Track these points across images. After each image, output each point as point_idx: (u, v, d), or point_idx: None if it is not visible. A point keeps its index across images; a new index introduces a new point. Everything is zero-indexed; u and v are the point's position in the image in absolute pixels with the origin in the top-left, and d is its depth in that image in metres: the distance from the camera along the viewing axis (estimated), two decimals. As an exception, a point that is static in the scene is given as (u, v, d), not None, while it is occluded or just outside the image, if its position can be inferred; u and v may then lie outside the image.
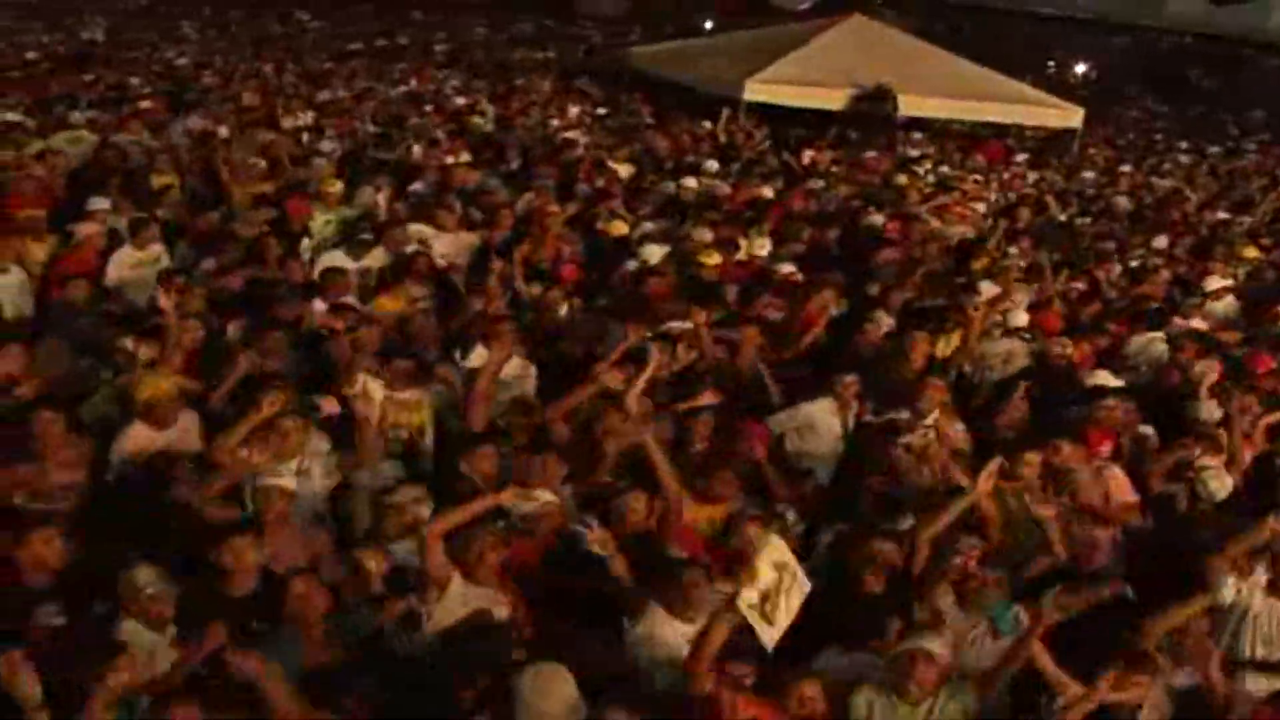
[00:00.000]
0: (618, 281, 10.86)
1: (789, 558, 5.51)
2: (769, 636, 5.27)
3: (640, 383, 7.41)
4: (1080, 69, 44.64)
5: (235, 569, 5.66)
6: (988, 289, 10.91)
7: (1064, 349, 9.65)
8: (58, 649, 4.90)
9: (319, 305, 8.96)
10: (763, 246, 12.17)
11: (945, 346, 9.66)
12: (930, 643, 5.51)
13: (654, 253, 11.34)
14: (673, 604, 5.77)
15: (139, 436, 6.82)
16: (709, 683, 5.19)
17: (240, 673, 4.76)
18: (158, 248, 10.15)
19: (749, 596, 5.27)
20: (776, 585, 5.36)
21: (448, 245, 11.07)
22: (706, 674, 5.19)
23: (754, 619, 5.26)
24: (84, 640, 5.01)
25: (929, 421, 7.94)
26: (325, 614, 5.52)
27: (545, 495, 6.37)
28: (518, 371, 8.21)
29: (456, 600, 5.67)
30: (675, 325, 8.83)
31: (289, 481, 6.38)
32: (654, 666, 5.65)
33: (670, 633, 5.72)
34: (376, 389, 7.34)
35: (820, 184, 16.39)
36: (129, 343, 7.70)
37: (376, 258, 10.45)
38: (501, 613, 5.74)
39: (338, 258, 10.29)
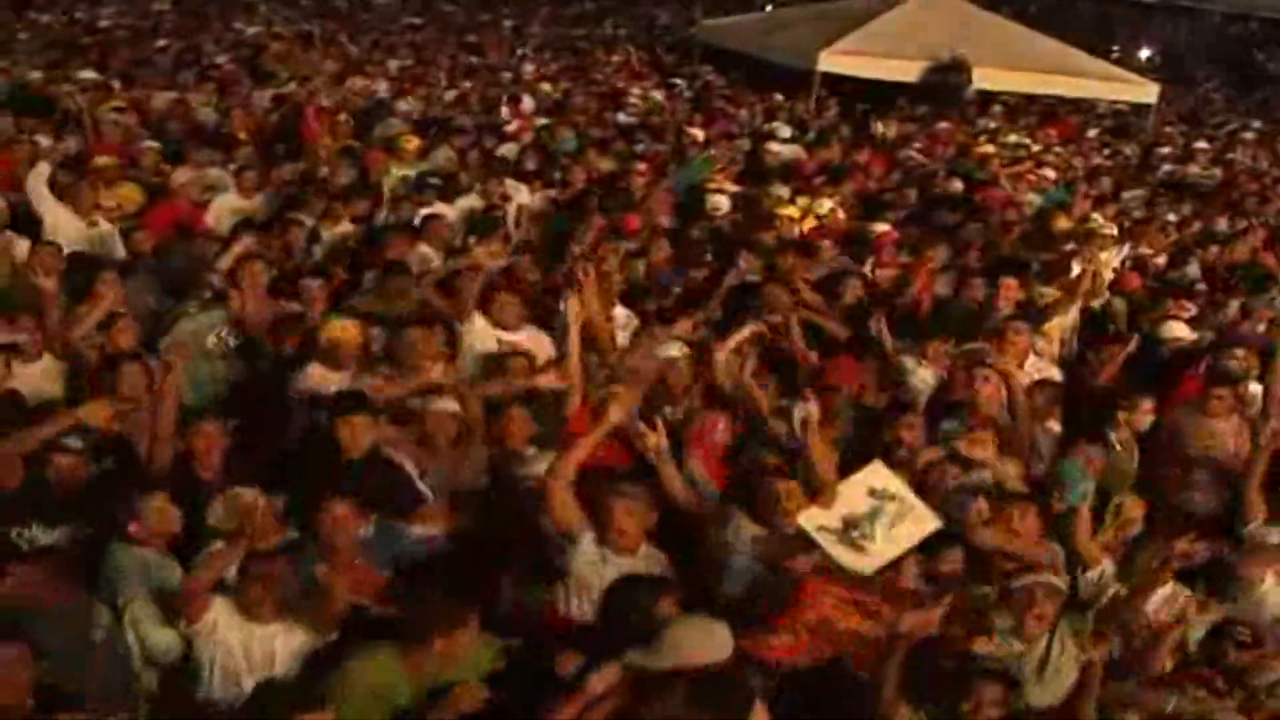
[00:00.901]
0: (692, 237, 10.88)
1: (900, 489, 5.44)
2: (854, 561, 5.15)
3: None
4: (1145, 53, 44.01)
5: (349, 445, 5.87)
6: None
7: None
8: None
9: (423, 249, 9.11)
10: (822, 207, 12.07)
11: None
12: (1052, 577, 5.40)
13: (722, 203, 11.51)
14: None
15: (315, 375, 6.85)
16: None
17: None
18: (260, 199, 10.24)
19: (817, 518, 5.24)
20: (873, 512, 5.28)
21: (535, 202, 11.34)
22: None
23: (825, 541, 5.20)
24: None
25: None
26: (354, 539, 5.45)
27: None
28: (623, 321, 8.26)
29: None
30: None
31: (453, 405, 6.52)
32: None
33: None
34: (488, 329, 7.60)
35: (908, 153, 16.38)
36: (214, 279, 7.82)
37: (436, 209, 10.50)
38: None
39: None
